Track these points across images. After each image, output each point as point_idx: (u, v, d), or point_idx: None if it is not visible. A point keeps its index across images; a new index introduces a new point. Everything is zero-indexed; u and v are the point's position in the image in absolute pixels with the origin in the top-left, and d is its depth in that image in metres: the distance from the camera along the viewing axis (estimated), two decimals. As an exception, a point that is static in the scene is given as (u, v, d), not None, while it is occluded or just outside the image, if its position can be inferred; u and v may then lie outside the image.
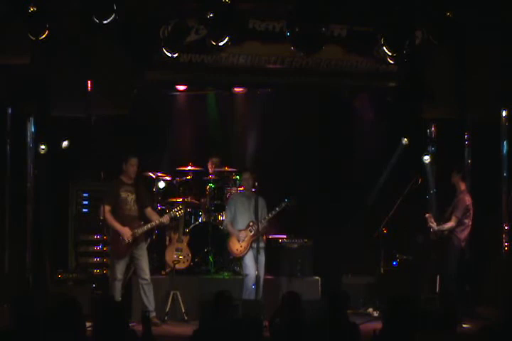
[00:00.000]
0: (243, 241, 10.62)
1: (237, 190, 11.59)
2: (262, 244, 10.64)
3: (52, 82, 10.26)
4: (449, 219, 10.62)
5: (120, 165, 10.36)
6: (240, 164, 12.20)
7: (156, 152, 12.34)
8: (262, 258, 10.62)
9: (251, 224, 10.63)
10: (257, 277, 10.44)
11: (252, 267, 10.51)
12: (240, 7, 9.45)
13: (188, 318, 10.43)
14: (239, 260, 10.92)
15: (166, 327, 10.15)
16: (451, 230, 10.59)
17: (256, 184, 10.91)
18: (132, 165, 10.25)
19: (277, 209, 10.66)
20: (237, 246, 10.66)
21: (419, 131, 12.26)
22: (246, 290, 10.39)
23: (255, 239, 10.58)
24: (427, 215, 10.75)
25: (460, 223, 10.59)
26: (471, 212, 10.68)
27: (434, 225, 10.66)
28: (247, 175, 10.79)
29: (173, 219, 10.94)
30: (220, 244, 11.20)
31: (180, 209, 10.78)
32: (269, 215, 10.70)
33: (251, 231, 10.61)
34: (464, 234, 10.62)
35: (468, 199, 10.67)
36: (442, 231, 10.63)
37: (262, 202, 10.74)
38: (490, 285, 10.92)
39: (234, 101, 13.11)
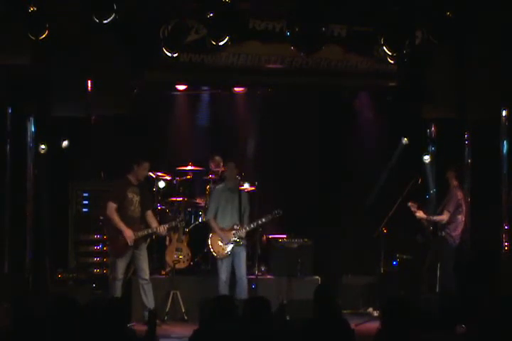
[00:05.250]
0: (225, 244, 10.58)
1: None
2: (243, 241, 10.60)
3: (52, 82, 10.26)
4: (440, 214, 10.67)
5: (121, 164, 10.35)
6: (240, 164, 12.21)
7: (156, 152, 12.33)
8: (243, 253, 10.59)
9: (236, 227, 10.57)
10: (239, 276, 10.48)
11: (225, 271, 10.49)
12: (240, 7, 9.45)
13: (188, 318, 10.44)
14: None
15: (166, 327, 10.15)
16: (445, 228, 10.61)
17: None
18: (145, 169, 10.26)
19: (263, 220, 10.59)
20: (219, 247, 10.59)
21: (419, 131, 12.26)
22: (220, 293, 10.31)
23: (237, 243, 10.56)
24: (410, 204, 10.71)
25: (453, 219, 10.63)
26: (464, 207, 10.73)
27: (420, 214, 10.66)
28: (232, 165, 10.67)
29: (172, 229, 10.94)
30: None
31: (182, 221, 10.79)
32: (254, 224, 10.62)
33: (235, 236, 10.56)
34: (457, 231, 10.65)
35: (459, 194, 10.72)
36: (432, 221, 10.64)
37: (245, 197, 10.71)
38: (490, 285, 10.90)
39: (234, 101, 13.12)
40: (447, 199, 10.76)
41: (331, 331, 6.22)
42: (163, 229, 10.37)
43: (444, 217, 10.62)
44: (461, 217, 10.69)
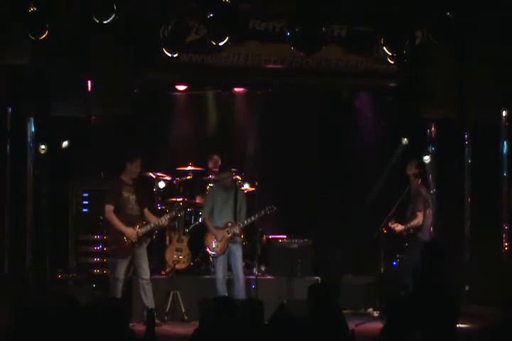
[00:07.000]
0: (219, 241, 10.59)
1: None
2: (238, 239, 10.61)
3: (52, 82, 10.26)
4: (413, 217, 10.62)
5: (121, 164, 10.36)
6: (240, 164, 12.24)
7: (156, 152, 12.34)
8: (239, 252, 10.60)
9: (229, 225, 10.58)
10: (236, 275, 10.49)
11: (221, 269, 10.50)
12: (240, 7, 9.46)
13: (188, 318, 10.43)
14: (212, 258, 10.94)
15: (166, 327, 10.15)
16: (419, 228, 10.58)
17: (256, 184, 10.98)
18: (137, 166, 10.27)
19: (257, 215, 10.59)
20: (213, 245, 10.62)
21: (419, 131, 12.26)
22: (218, 292, 10.36)
23: (232, 241, 10.57)
24: (390, 225, 10.68)
25: (425, 216, 10.62)
26: (430, 201, 10.71)
27: (399, 227, 10.63)
28: (226, 175, 10.68)
29: (173, 219, 10.99)
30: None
31: (180, 209, 10.80)
32: (248, 221, 10.62)
33: (228, 233, 10.57)
34: (429, 226, 10.66)
35: (423, 191, 10.69)
36: (411, 228, 10.62)
37: (241, 195, 10.73)
38: (490, 285, 10.91)
39: (234, 101, 13.13)
40: (414, 200, 10.67)
41: (324, 332, 6.20)
42: (164, 221, 10.39)
43: (420, 219, 10.58)
44: (429, 211, 10.69)
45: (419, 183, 10.77)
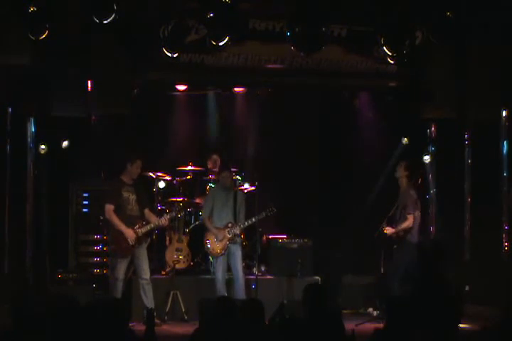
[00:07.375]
0: (220, 241, 10.59)
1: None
2: (238, 239, 10.61)
3: (52, 82, 10.26)
4: (403, 219, 10.56)
5: (120, 164, 10.36)
6: (240, 164, 12.23)
7: (156, 152, 12.34)
8: (239, 252, 10.60)
9: (230, 225, 10.58)
10: (236, 276, 10.49)
11: (221, 270, 10.50)
12: (240, 7, 9.46)
13: (188, 318, 10.43)
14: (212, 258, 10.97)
15: (166, 327, 10.15)
16: (409, 230, 10.53)
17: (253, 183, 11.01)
18: (138, 167, 10.28)
19: (257, 217, 10.59)
20: (213, 245, 10.61)
21: (419, 131, 12.26)
22: (218, 292, 10.37)
23: (232, 241, 10.57)
24: (384, 230, 10.63)
25: (414, 218, 10.58)
26: (419, 202, 10.65)
27: (389, 231, 10.56)
28: (225, 175, 10.70)
29: (173, 219, 11.00)
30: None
31: (180, 210, 10.81)
32: (248, 222, 10.62)
33: (229, 234, 10.57)
34: (417, 228, 10.64)
35: (413, 193, 10.58)
36: (402, 230, 10.54)
37: (240, 196, 10.74)
38: (490, 285, 10.90)
39: (234, 101, 13.13)
40: (404, 203, 10.53)
41: (322, 332, 6.20)
42: (164, 221, 10.40)
43: (410, 222, 10.44)
44: (417, 213, 10.63)
45: (409, 185, 10.67)
